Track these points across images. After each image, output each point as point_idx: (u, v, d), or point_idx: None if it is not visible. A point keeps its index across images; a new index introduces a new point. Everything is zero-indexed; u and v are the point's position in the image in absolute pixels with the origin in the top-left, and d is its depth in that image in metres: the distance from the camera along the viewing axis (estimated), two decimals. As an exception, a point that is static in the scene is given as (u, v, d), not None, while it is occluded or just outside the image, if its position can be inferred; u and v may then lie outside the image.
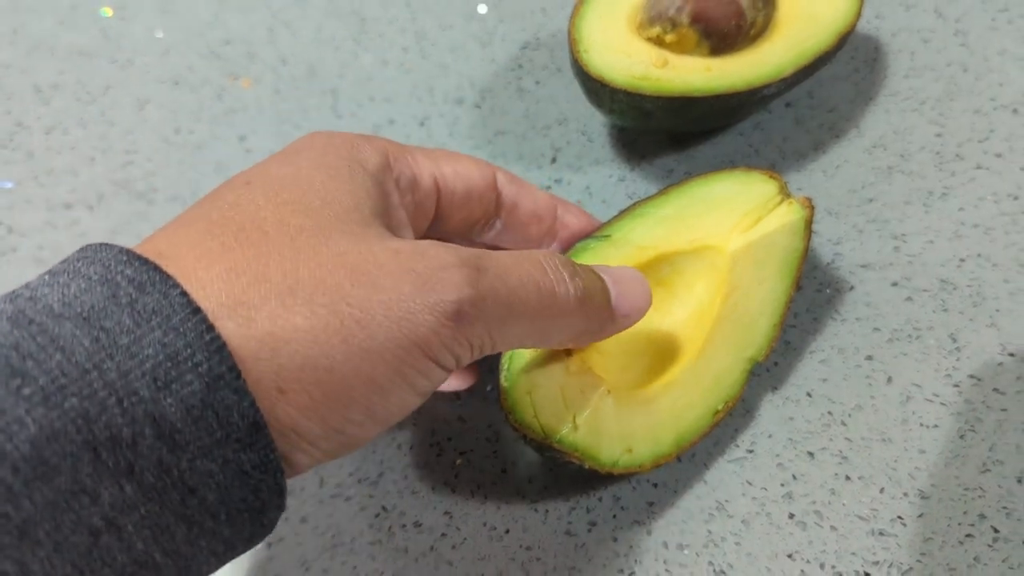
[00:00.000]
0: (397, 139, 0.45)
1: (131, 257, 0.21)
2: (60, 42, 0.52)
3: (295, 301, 0.22)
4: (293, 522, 0.35)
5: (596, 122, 0.46)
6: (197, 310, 0.20)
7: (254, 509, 0.22)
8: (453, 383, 0.36)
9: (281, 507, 0.23)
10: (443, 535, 0.34)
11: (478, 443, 0.36)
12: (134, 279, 0.21)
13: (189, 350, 0.20)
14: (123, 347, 0.19)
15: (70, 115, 0.49)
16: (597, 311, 0.28)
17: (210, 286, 0.21)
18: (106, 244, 0.22)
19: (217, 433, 0.20)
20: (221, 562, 0.23)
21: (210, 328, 0.20)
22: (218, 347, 0.20)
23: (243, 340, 0.21)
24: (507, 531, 0.34)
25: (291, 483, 0.36)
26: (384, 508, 0.35)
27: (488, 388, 0.38)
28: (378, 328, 0.22)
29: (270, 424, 0.21)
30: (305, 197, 0.24)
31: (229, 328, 0.21)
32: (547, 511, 0.35)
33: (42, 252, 0.44)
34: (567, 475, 0.35)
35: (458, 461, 0.36)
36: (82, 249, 0.22)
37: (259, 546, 0.34)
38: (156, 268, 0.21)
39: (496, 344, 0.25)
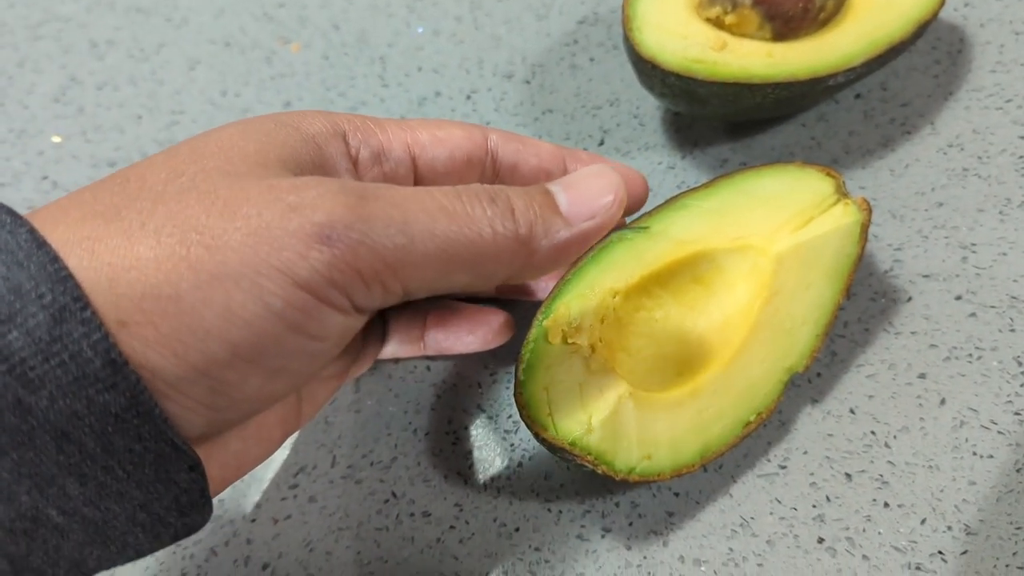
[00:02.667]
0: (442, 113, 0.44)
1: None
2: (119, -2, 0.52)
3: (143, 233, 0.20)
4: (301, 500, 0.34)
5: (649, 105, 0.43)
6: (43, 244, 0.19)
7: (152, 464, 0.21)
8: (485, 339, 0.34)
9: (193, 466, 0.22)
10: (451, 527, 0.33)
11: (496, 435, 0.35)
12: None
13: (32, 282, 0.19)
14: None
15: (122, 72, 0.49)
16: (540, 229, 0.25)
17: (64, 227, 0.20)
18: None
19: (72, 369, 0.19)
20: (155, 537, 0.22)
21: (54, 259, 0.19)
22: (62, 278, 0.19)
23: (83, 272, 0.20)
24: (517, 529, 0.33)
25: (303, 460, 0.35)
26: (394, 494, 0.34)
27: (511, 377, 0.36)
28: (231, 253, 0.20)
29: (131, 364, 0.20)
30: (204, 147, 0.23)
31: (71, 262, 0.20)
32: (560, 512, 0.33)
33: (83, 208, 0.44)
34: (584, 475, 0.34)
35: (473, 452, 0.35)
36: None
37: (264, 521, 0.34)
38: (10, 212, 0.20)
39: (406, 282, 0.23)
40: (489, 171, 0.31)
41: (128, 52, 0.50)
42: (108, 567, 0.22)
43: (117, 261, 0.20)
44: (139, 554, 0.23)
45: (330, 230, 0.21)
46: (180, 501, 0.22)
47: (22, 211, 0.43)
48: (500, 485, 0.34)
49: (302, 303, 0.21)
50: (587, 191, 0.26)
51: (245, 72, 0.48)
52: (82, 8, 0.52)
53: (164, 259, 0.20)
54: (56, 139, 0.46)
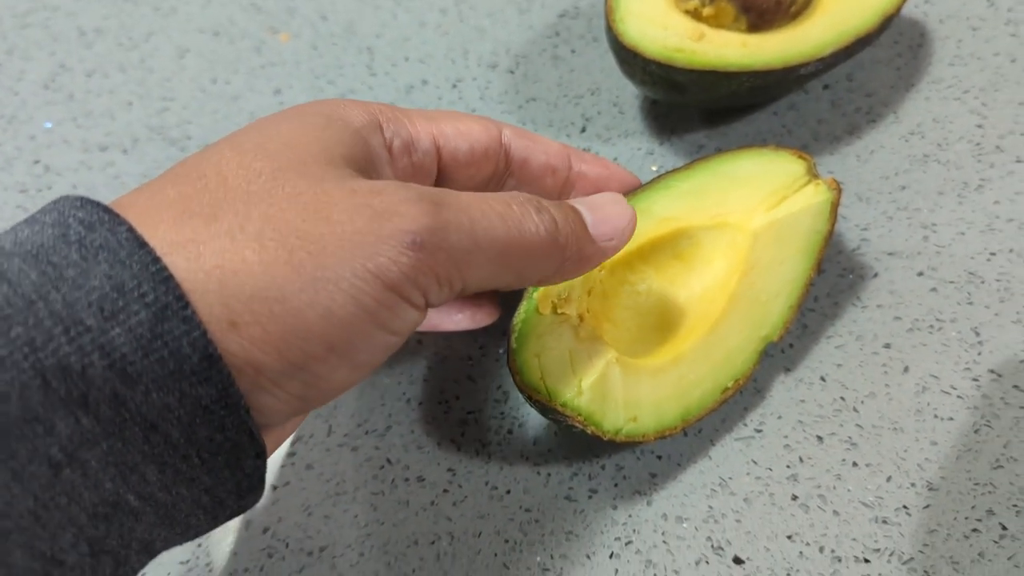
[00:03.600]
0: (429, 101, 0.46)
1: (84, 202, 0.21)
2: (107, -12, 0.53)
3: (244, 236, 0.21)
4: (299, 467, 0.36)
5: (628, 94, 0.45)
6: (143, 244, 0.20)
7: (227, 452, 0.22)
8: (475, 318, 0.36)
9: (259, 454, 0.23)
10: (445, 491, 0.35)
11: (486, 403, 0.37)
12: (84, 220, 0.21)
13: (135, 281, 0.20)
14: (69, 279, 0.20)
15: (111, 60, 0.50)
16: (573, 240, 0.27)
17: (161, 226, 0.21)
18: (68, 196, 0.22)
19: (170, 364, 0.20)
20: (213, 519, 0.23)
21: (156, 260, 0.20)
22: (164, 278, 0.20)
23: (190, 273, 0.21)
24: (508, 491, 0.34)
25: (300, 431, 0.37)
26: (389, 460, 0.36)
27: (500, 351, 0.38)
28: (330, 258, 0.22)
29: (225, 358, 0.21)
30: (270, 143, 0.24)
31: (177, 263, 0.21)
32: (549, 475, 0.35)
33: (76, 191, 0.45)
34: (571, 440, 0.35)
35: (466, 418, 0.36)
36: (49, 202, 0.22)
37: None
38: (106, 209, 0.21)
39: (467, 280, 0.25)
40: (502, 164, 0.33)
41: (117, 40, 0.50)
42: (170, 547, 0.23)
43: (226, 264, 0.21)
44: (197, 534, 0.24)
45: (417, 236, 0.23)
46: (241, 486, 0.23)
47: (14, 195, 0.44)
48: (491, 451, 0.35)
49: (391, 302, 0.23)
50: (609, 215, 0.29)
51: (234, 60, 0.49)
52: (70, -3, 0.52)
53: (270, 263, 0.21)
54: (47, 124, 0.47)
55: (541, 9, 0.49)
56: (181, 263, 0.21)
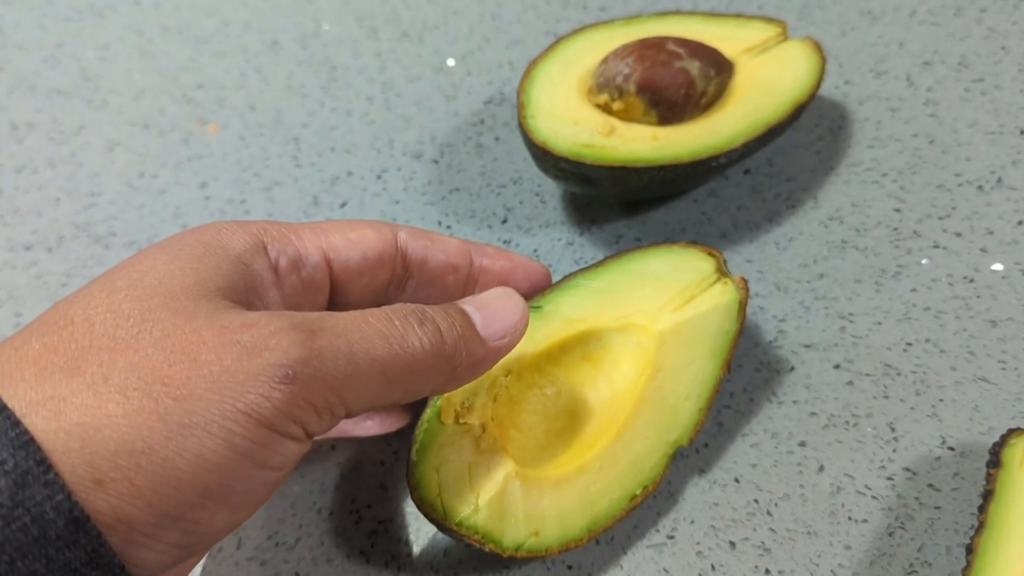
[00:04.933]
0: (353, 192, 0.46)
1: None
2: (41, 80, 0.53)
3: (108, 389, 0.21)
4: (206, 584, 0.35)
5: (549, 183, 0.45)
6: (2, 407, 0.20)
7: None
8: (384, 423, 0.36)
9: None
10: (352, 607, 0.34)
11: (397, 512, 0.36)
12: None
13: None
14: None
15: (41, 154, 0.50)
16: (463, 346, 0.27)
17: (21, 384, 0.21)
18: None
19: (33, 531, 0.20)
20: None
21: (15, 424, 0.20)
22: (24, 443, 0.20)
23: (51, 434, 0.20)
24: (416, 607, 0.34)
25: (209, 543, 0.36)
26: (297, 575, 0.35)
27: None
28: (198, 402, 0.21)
29: (94, 518, 0.20)
30: (143, 280, 0.24)
31: (37, 423, 0.20)
32: (458, 588, 0.34)
33: (-2, 293, 0.44)
34: (482, 552, 0.35)
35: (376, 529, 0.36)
36: None
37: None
38: None
39: (350, 404, 0.24)
40: (399, 267, 0.33)
41: (48, 135, 0.50)
42: None
43: (87, 420, 0.21)
44: None
45: (288, 369, 0.22)
46: None
47: (-61, 297, 0.44)
48: (401, 563, 0.35)
49: (265, 440, 0.23)
50: (498, 312, 0.29)
51: (163, 153, 0.49)
52: (3, 91, 0.53)
53: (134, 414, 0.21)
54: (-27, 223, 0.47)
55: (467, 96, 0.49)
56: (41, 423, 0.21)
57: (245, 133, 0.49)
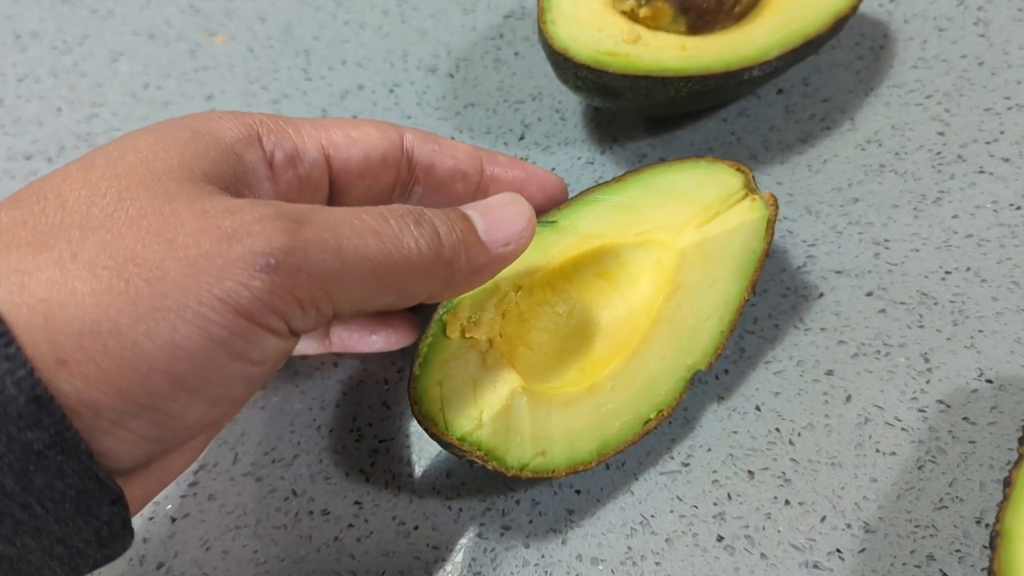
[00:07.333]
0: (364, 106, 0.44)
1: None
2: (46, -11, 0.51)
3: (76, 266, 0.20)
4: (201, 498, 0.34)
5: (571, 100, 0.43)
6: None
7: (73, 500, 0.20)
8: (390, 340, 0.34)
9: (115, 500, 0.21)
10: (350, 526, 0.33)
11: (399, 432, 0.34)
12: None
13: None
14: None
15: (44, 64, 0.48)
16: (462, 251, 0.25)
17: None
18: None
19: None
20: (73, 570, 0.22)
21: None
22: None
23: (14, 307, 0.19)
24: (416, 528, 0.32)
25: (205, 458, 0.35)
26: (294, 492, 0.33)
27: (418, 374, 0.36)
28: (171, 284, 0.20)
29: (57, 399, 0.19)
30: (123, 159, 0.22)
31: (2, 296, 0.19)
32: (461, 510, 0.32)
33: (-3, 201, 0.43)
34: (486, 473, 0.33)
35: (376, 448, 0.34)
36: None
37: (161, 519, 0.33)
38: None
39: (338, 303, 0.23)
40: (404, 171, 0.31)
41: (51, 44, 0.49)
42: None
43: (52, 296, 0.19)
44: None
45: (270, 258, 0.21)
46: (101, 533, 0.21)
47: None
48: (401, 483, 0.33)
49: (244, 331, 0.21)
50: (503, 218, 0.27)
51: (168, 64, 0.47)
52: (8, 0, 0.51)
53: (102, 293, 0.20)
54: (-28, 131, 0.45)
55: (486, 10, 0.47)
56: (3, 296, 0.19)
57: (254, 45, 0.47)
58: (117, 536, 0.22)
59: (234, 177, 0.25)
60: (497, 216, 0.27)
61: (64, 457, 0.19)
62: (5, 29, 0.49)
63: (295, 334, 0.23)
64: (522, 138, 0.42)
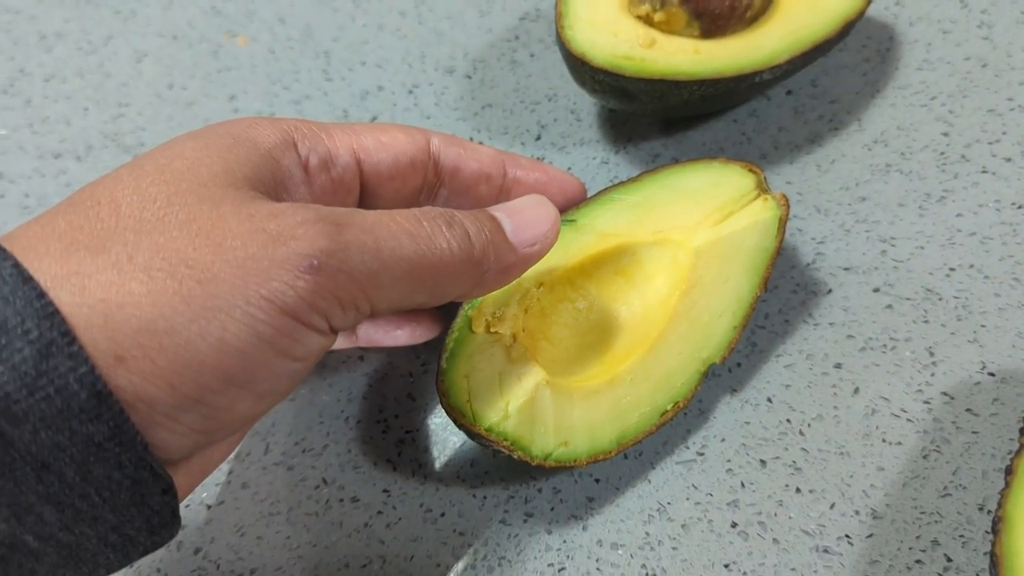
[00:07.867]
0: (384, 107, 0.45)
1: None
2: (69, -10, 0.52)
3: (132, 268, 0.21)
4: (235, 487, 0.35)
5: (586, 100, 0.44)
6: (28, 279, 0.20)
7: (129, 490, 0.21)
8: (414, 334, 0.36)
9: (166, 489, 0.22)
10: (379, 512, 0.34)
11: (424, 423, 0.36)
12: None
13: (19, 318, 0.19)
14: None
15: (70, 64, 0.49)
16: (491, 251, 0.27)
17: (47, 259, 0.21)
18: None
19: (57, 402, 0.19)
20: (125, 556, 0.23)
21: (40, 295, 0.20)
22: (48, 313, 0.19)
23: (75, 308, 0.20)
24: (443, 514, 0.34)
25: (237, 448, 0.36)
26: (324, 480, 0.35)
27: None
28: (221, 285, 0.21)
29: (116, 394, 0.20)
30: (171, 165, 0.24)
31: (62, 297, 0.20)
32: (485, 497, 0.34)
33: (28, 200, 0.44)
34: (509, 462, 0.34)
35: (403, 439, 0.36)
36: None
37: (196, 507, 0.34)
38: None
39: (375, 302, 0.24)
40: (431, 174, 0.32)
41: (76, 44, 0.50)
42: None
43: (111, 297, 0.20)
44: (108, 571, 0.23)
45: (314, 259, 0.22)
46: (151, 521, 0.23)
47: (-32, 203, 0.44)
48: (427, 472, 0.35)
49: (289, 329, 0.22)
50: (530, 220, 0.28)
51: (192, 65, 0.48)
52: (32, 0, 0.52)
53: (157, 294, 0.21)
54: (1, 131, 0.47)
55: (502, 12, 0.48)
56: (66, 297, 0.20)
57: (275, 46, 0.48)
58: (166, 524, 0.23)
59: (273, 181, 0.26)
60: (524, 218, 0.28)
61: (122, 449, 0.21)
62: (30, 30, 0.51)
63: (335, 331, 0.24)
64: (539, 138, 0.43)
